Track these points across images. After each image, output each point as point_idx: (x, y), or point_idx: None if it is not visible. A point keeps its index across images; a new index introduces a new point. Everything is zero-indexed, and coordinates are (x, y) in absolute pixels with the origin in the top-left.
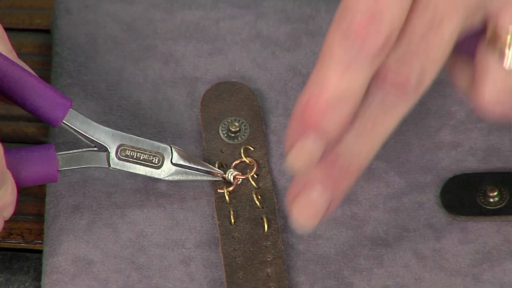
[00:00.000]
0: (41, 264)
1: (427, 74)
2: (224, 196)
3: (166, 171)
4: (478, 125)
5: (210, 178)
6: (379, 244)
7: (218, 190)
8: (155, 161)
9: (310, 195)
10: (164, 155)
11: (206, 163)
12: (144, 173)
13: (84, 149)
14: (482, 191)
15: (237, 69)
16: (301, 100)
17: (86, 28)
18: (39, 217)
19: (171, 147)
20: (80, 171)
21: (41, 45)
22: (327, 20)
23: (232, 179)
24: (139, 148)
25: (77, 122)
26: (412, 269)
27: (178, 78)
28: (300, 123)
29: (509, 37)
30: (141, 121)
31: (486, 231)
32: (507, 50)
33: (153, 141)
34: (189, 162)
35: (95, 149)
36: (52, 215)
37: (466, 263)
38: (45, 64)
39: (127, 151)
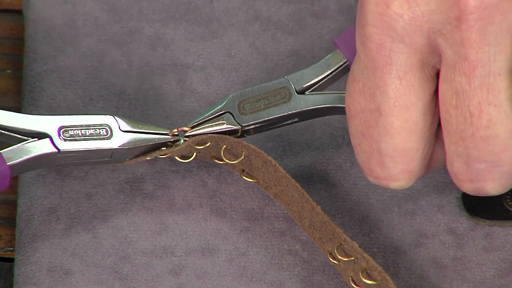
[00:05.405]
0: (12, 274)
1: None
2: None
3: (119, 140)
4: None
5: (164, 138)
6: (393, 252)
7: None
8: (103, 132)
9: None
10: (111, 125)
11: (154, 125)
12: (97, 147)
13: (24, 142)
14: (509, 193)
15: (233, 54)
16: None
17: (63, 8)
18: (10, 221)
19: (113, 116)
20: (58, 169)
21: (13, 27)
22: None
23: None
24: (82, 125)
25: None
26: (431, 279)
27: (166, 65)
28: None
29: None
30: (125, 113)
31: None
32: None
33: (93, 115)
34: (137, 127)
35: (35, 139)
36: (25, 219)
37: (491, 273)
38: (17, 49)
39: (69, 131)
